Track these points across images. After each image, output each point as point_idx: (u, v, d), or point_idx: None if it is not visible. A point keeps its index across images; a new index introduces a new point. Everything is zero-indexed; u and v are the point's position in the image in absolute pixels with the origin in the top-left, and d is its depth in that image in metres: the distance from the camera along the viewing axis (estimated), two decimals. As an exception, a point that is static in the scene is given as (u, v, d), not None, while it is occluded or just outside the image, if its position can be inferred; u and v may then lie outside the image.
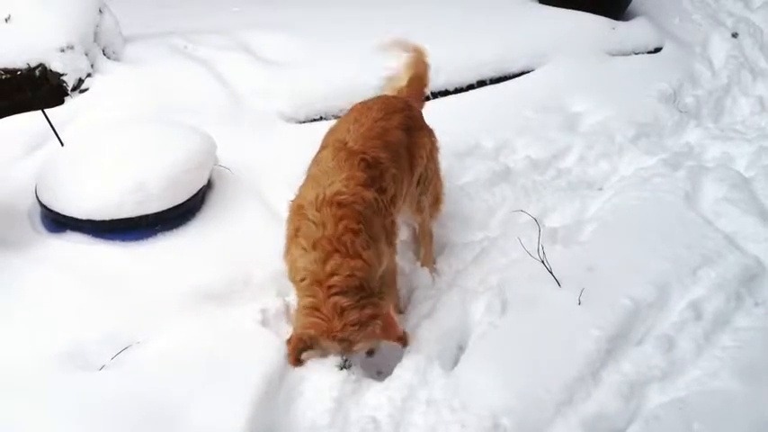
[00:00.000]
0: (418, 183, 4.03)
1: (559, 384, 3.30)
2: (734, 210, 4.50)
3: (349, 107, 5.66)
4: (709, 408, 3.23)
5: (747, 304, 3.84)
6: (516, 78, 6.34)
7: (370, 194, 3.41)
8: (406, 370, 3.36)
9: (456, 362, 3.52)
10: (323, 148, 3.75)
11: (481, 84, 6.22)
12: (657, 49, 7.13)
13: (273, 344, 3.41)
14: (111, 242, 3.98)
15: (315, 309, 3.17)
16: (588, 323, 3.58)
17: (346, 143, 3.60)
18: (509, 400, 3.20)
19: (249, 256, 3.97)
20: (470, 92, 6.14)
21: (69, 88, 5.18)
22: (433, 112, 5.66)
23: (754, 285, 3.97)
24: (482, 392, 3.25)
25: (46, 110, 4.61)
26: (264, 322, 3.61)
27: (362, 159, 3.50)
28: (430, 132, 4.18)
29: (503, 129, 5.56)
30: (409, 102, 4.16)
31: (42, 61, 5.11)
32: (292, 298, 3.79)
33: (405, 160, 3.82)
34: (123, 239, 4.00)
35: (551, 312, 3.69)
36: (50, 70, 5.12)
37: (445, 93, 6.07)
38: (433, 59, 4.40)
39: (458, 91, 6.12)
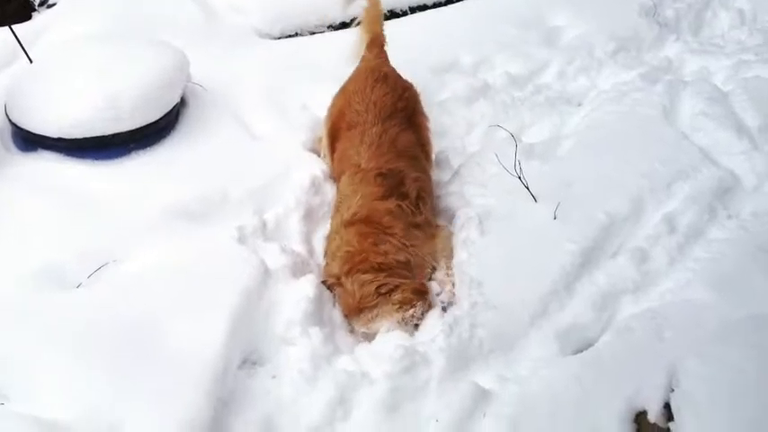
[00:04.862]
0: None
1: (534, 297, 3.34)
2: (710, 124, 4.48)
3: (322, 23, 5.59)
4: (681, 317, 3.26)
5: (720, 217, 3.86)
6: (496, -9, 6.21)
7: (388, 204, 3.56)
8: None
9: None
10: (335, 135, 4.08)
11: (460, -3, 6.10)
12: (639, -39, 6.98)
13: (251, 261, 3.40)
14: (83, 161, 3.95)
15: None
16: (563, 237, 3.61)
17: (360, 165, 3.76)
18: (484, 312, 3.25)
19: (225, 173, 3.95)
20: (449, 6, 6.02)
21: (36, 3, 5.04)
22: (410, 28, 5.60)
23: (727, 198, 3.99)
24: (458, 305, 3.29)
25: (13, 26, 4.49)
26: (241, 239, 3.60)
27: (378, 174, 3.66)
28: (414, 94, 4.25)
29: (482, 44, 5.48)
30: (389, 74, 4.20)
31: (7, -25, 4.96)
32: (269, 215, 3.80)
33: (420, 155, 4.02)
34: (96, 158, 3.96)
35: (527, 227, 3.71)
36: (16, -16, 4.98)
37: (424, 7, 5.95)
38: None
39: (436, 5, 6.00)
